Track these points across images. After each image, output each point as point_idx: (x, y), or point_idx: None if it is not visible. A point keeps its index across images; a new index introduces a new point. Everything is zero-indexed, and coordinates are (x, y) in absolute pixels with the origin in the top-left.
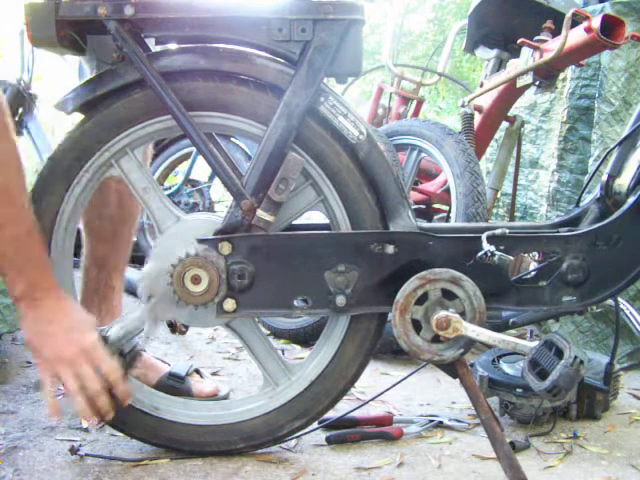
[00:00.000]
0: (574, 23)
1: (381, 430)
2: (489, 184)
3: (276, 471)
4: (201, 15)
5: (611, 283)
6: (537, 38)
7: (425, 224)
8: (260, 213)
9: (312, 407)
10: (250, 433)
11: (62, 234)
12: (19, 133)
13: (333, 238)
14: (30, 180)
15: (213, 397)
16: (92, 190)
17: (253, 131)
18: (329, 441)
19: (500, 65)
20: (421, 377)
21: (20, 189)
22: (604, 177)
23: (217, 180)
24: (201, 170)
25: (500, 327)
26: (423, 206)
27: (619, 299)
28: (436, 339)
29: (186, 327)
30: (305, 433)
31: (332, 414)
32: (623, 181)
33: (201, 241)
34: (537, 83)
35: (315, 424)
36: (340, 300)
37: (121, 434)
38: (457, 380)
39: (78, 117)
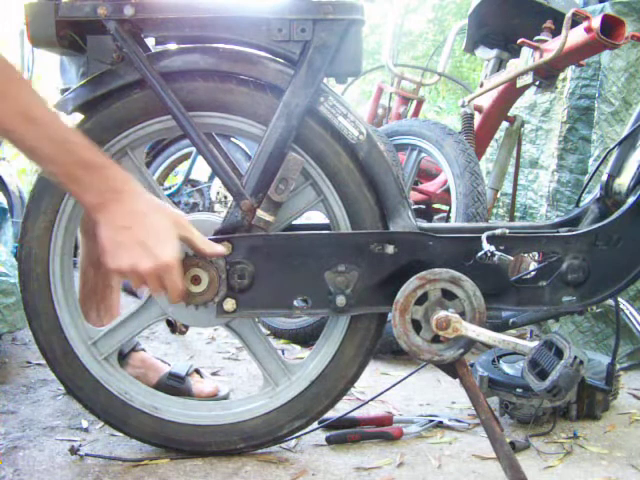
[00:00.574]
0: (574, 23)
1: (381, 430)
2: (489, 184)
3: (276, 471)
4: (201, 15)
5: (611, 283)
6: (537, 38)
7: (425, 224)
8: (260, 213)
9: (312, 407)
10: (250, 433)
11: (62, 234)
12: None
13: (333, 238)
14: (30, 180)
15: (213, 397)
16: None
17: (253, 131)
18: (329, 441)
19: (500, 65)
20: (421, 377)
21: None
22: (604, 177)
23: (217, 180)
24: (201, 170)
25: (500, 327)
26: (423, 206)
27: (619, 299)
28: (436, 339)
29: (186, 327)
30: (305, 433)
31: (332, 414)
32: (623, 181)
33: None
34: (537, 83)
35: (315, 424)
36: (340, 300)
37: (121, 434)
38: (457, 380)
39: (78, 117)
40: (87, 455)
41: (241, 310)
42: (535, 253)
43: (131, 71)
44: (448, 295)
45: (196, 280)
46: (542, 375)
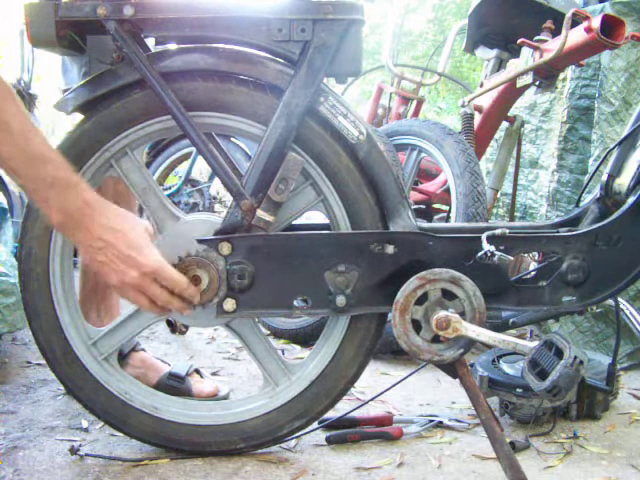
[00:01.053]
0: (574, 23)
1: (381, 430)
2: (489, 184)
3: (276, 471)
4: (201, 15)
5: (611, 283)
6: (537, 38)
7: (425, 224)
8: (260, 213)
9: (312, 407)
10: (250, 433)
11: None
12: None
13: (333, 238)
14: None
15: (213, 397)
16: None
17: (253, 131)
18: (329, 441)
19: (500, 65)
20: (421, 377)
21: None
22: (604, 177)
23: (217, 180)
24: (201, 170)
25: (500, 327)
26: (423, 206)
27: (619, 299)
28: (436, 339)
29: (186, 327)
30: (305, 433)
31: (332, 414)
32: (623, 181)
33: (201, 241)
34: (537, 83)
35: (315, 424)
36: (340, 300)
37: (121, 434)
38: (457, 380)
39: (78, 117)
40: (87, 455)
41: (241, 310)
42: (535, 253)
43: (131, 71)
44: (448, 295)
45: (196, 280)
46: (542, 375)
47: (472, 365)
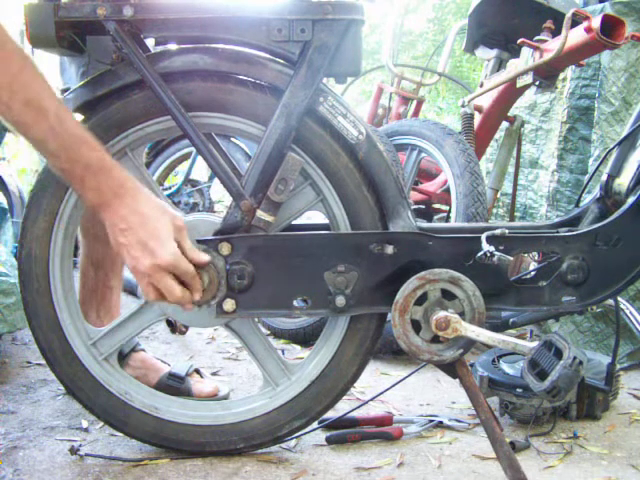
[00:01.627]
0: (574, 23)
1: (381, 430)
2: (489, 184)
3: (276, 471)
4: (200, 15)
5: (611, 283)
6: (537, 38)
7: (425, 224)
8: (260, 213)
9: (312, 407)
10: (250, 433)
11: (62, 235)
12: None
13: (333, 238)
14: (30, 180)
15: (213, 397)
16: None
17: (252, 131)
18: (329, 441)
19: (500, 65)
20: (421, 377)
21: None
22: (604, 177)
23: (217, 180)
24: (201, 170)
25: (500, 327)
26: (423, 206)
27: (619, 299)
28: (436, 339)
29: (186, 327)
30: (305, 433)
31: (332, 414)
32: (623, 181)
33: (200, 241)
34: (537, 83)
35: (315, 424)
36: (340, 300)
37: (121, 434)
38: (457, 380)
39: (78, 117)
40: (87, 455)
41: (241, 310)
42: (535, 253)
43: (130, 72)
44: (448, 295)
45: None
46: (542, 375)
47: (472, 365)
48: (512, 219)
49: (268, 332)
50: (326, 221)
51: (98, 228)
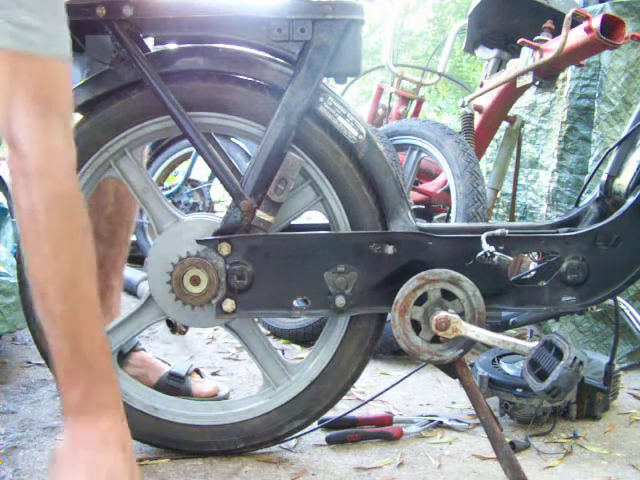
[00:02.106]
0: (574, 23)
1: (381, 430)
2: (489, 184)
3: (276, 471)
4: (200, 15)
5: (611, 283)
6: (537, 38)
7: (425, 224)
8: (259, 213)
9: (312, 407)
10: (250, 433)
11: None
12: None
13: (332, 238)
14: None
15: (213, 397)
16: (91, 191)
17: (252, 131)
18: (329, 441)
19: (500, 65)
20: (421, 377)
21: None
22: (604, 177)
23: (217, 180)
24: (201, 170)
25: (500, 327)
26: (423, 206)
27: (619, 299)
28: (435, 339)
29: (186, 327)
30: (305, 433)
31: (332, 414)
32: (623, 181)
33: (200, 242)
34: (537, 83)
35: (315, 424)
36: (339, 301)
37: None
38: (457, 380)
39: (77, 117)
40: None
41: (240, 311)
42: (535, 253)
43: (130, 71)
44: (448, 295)
45: (195, 281)
46: (542, 376)
47: (472, 365)
48: (512, 219)
49: (268, 332)
50: (326, 221)
51: (99, 227)
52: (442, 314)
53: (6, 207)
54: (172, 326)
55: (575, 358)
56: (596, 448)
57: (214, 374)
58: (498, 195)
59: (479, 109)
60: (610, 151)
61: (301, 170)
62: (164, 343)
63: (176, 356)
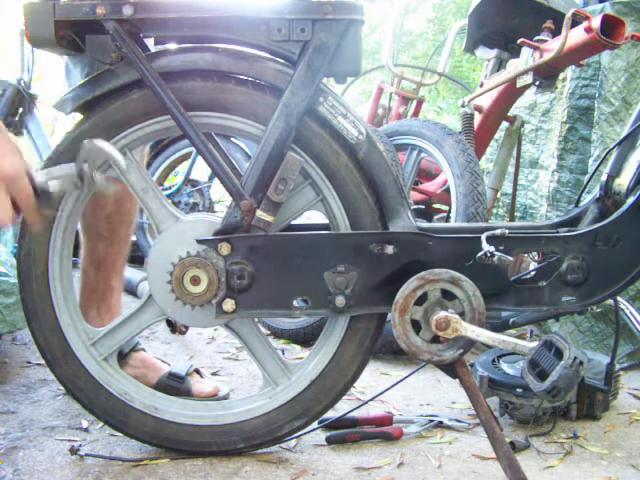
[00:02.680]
0: (574, 23)
1: (381, 430)
2: (489, 184)
3: (276, 471)
4: (200, 15)
5: (611, 283)
6: (537, 38)
7: (425, 224)
8: (259, 213)
9: (312, 407)
10: (250, 433)
11: (61, 234)
12: (19, 133)
13: (332, 238)
14: None
15: (213, 397)
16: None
17: (252, 131)
18: (329, 441)
19: (500, 65)
20: (421, 377)
21: None
22: (604, 177)
23: (217, 180)
24: (201, 170)
25: (500, 327)
26: (423, 206)
27: (619, 299)
28: (435, 339)
29: (186, 327)
30: (305, 433)
31: (332, 414)
32: (623, 181)
33: (200, 242)
34: (537, 83)
35: (315, 424)
36: (339, 300)
37: (121, 434)
38: (457, 380)
39: (77, 117)
40: (87, 455)
41: (240, 311)
42: (535, 253)
43: (130, 71)
44: (448, 295)
45: (195, 281)
46: (542, 376)
47: (472, 365)
48: (512, 219)
49: (268, 332)
50: (326, 221)
51: (100, 227)
52: (442, 314)
53: None
54: (172, 326)
55: (575, 358)
56: (596, 448)
57: (214, 374)
58: (498, 195)
59: (479, 109)
60: (610, 151)
61: (301, 170)
62: (164, 343)
63: (176, 356)
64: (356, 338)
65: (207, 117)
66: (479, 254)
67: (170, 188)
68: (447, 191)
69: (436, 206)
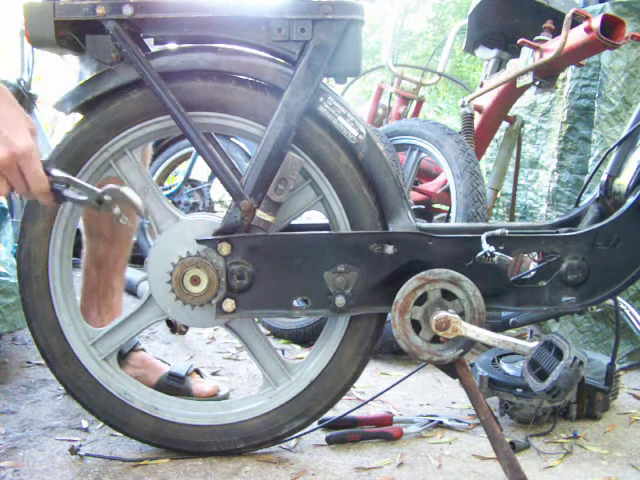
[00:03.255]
0: (574, 23)
1: (381, 430)
2: (489, 184)
3: (276, 471)
4: (200, 15)
5: (611, 283)
6: (537, 38)
7: (425, 224)
8: (259, 213)
9: (312, 407)
10: (250, 433)
11: (61, 234)
12: None
13: (332, 238)
14: None
15: (213, 397)
16: None
17: (252, 131)
18: (329, 441)
19: (500, 65)
20: (421, 377)
21: None
22: (604, 177)
23: (217, 180)
24: (201, 170)
25: (500, 327)
26: (423, 206)
27: (619, 299)
28: (436, 339)
29: (186, 327)
30: (305, 433)
31: (332, 414)
32: (623, 181)
33: (200, 242)
34: (537, 83)
35: (315, 424)
36: (339, 300)
37: (121, 434)
38: (457, 380)
39: (77, 117)
40: (87, 455)
41: (240, 310)
42: (535, 253)
43: (130, 71)
44: (448, 295)
45: (195, 281)
46: (542, 376)
47: (472, 365)
48: (512, 219)
49: (268, 332)
50: (326, 221)
51: (102, 227)
52: (442, 314)
53: (6, 207)
54: (172, 326)
55: (575, 358)
56: (596, 448)
57: (214, 374)
58: (498, 195)
59: (479, 109)
60: (610, 151)
61: (301, 170)
62: (164, 343)
63: (176, 356)
64: (356, 338)
65: (207, 117)
66: (479, 254)
67: (170, 188)
68: (447, 191)
69: (436, 206)
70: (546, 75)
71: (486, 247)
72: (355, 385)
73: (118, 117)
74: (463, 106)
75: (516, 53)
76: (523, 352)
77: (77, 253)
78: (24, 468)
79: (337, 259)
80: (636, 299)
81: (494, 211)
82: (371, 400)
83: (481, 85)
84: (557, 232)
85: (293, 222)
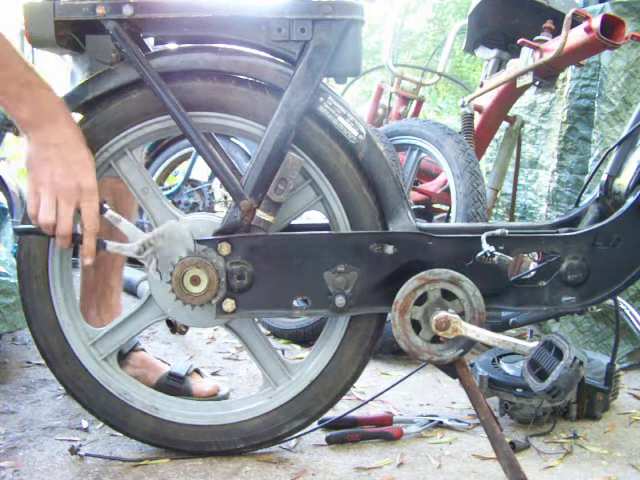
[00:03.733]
0: (574, 23)
1: (381, 430)
2: (489, 184)
3: (276, 471)
4: (200, 15)
5: (611, 283)
6: (537, 38)
7: (425, 224)
8: (259, 213)
9: (312, 407)
10: (250, 433)
11: None
12: (19, 133)
13: (332, 238)
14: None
15: (213, 397)
16: None
17: (252, 131)
18: (329, 441)
19: (500, 65)
20: (421, 377)
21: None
22: (604, 177)
23: (217, 180)
24: (201, 170)
25: (500, 327)
26: (423, 206)
27: (619, 299)
28: (435, 339)
29: (186, 327)
30: (305, 433)
31: (332, 414)
32: (623, 181)
33: (200, 241)
34: (537, 83)
35: (315, 424)
36: (339, 300)
37: (121, 434)
38: (457, 380)
39: (77, 117)
40: (87, 455)
41: (240, 311)
42: (535, 253)
43: (130, 71)
44: (448, 295)
45: (195, 281)
46: (542, 376)
47: (472, 365)
48: (512, 219)
49: (268, 332)
50: (326, 221)
51: (100, 227)
52: (442, 314)
53: (6, 207)
54: (172, 326)
55: (575, 358)
56: (596, 448)
57: (214, 374)
58: (498, 195)
59: (479, 109)
60: (610, 151)
61: (301, 170)
62: (164, 343)
63: (176, 356)
64: (356, 338)
65: (207, 117)
66: (479, 254)
67: (170, 188)
68: (447, 191)
69: (436, 206)
70: (546, 75)
71: (486, 247)
72: (355, 385)
73: (118, 117)
74: (463, 106)
75: (516, 53)
76: (523, 352)
77: (77, 253)
78: (24, 468)
79: (337, 259)
80: (636, 299)
81: (494, 211)
82: (371, 400)
83: (481, 85)
84: (557, 232)
85: (293, 222)
